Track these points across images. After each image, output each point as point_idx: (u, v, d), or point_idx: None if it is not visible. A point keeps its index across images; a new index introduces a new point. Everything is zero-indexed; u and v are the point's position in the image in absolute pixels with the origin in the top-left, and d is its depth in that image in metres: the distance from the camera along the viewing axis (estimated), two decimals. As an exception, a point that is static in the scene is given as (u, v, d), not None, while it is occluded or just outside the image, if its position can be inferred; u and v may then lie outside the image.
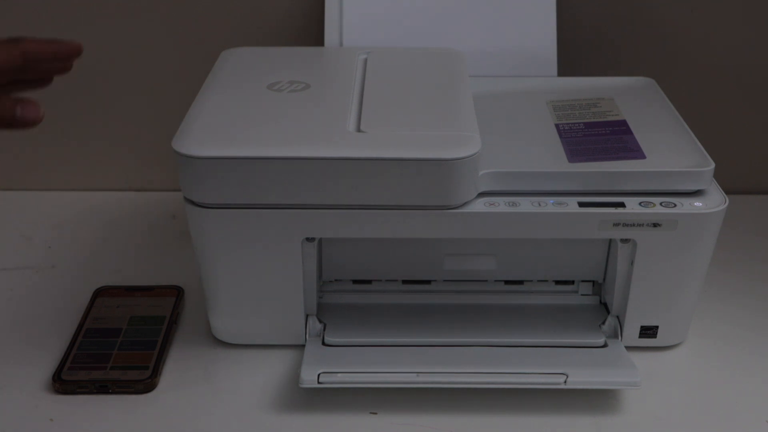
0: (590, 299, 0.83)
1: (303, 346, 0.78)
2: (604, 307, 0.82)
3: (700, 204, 0.73)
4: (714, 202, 0.73)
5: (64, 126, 1.07)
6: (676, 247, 0.74)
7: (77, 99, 1.05)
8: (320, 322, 0.80)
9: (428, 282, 0.83)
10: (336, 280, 0.83)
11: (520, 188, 0.73)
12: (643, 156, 0.75)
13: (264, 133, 0.72)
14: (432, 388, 0.74)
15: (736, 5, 1.00)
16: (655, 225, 0.72)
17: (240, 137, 0.71)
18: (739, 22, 1.01)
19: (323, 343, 0.78)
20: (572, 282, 0.83)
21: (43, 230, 1.01)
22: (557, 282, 0.83)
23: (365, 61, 0.87)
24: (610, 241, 0.78)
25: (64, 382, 0.75)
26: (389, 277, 0.83)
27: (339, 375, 0.73)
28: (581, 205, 0.73)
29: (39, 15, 1.01)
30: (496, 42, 0.93)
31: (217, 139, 0.71)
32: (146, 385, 0.75)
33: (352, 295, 0.83)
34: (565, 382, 0.73)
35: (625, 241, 0.75)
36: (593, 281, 0.82)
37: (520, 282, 0.83)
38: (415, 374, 0.73)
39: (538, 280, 0.83)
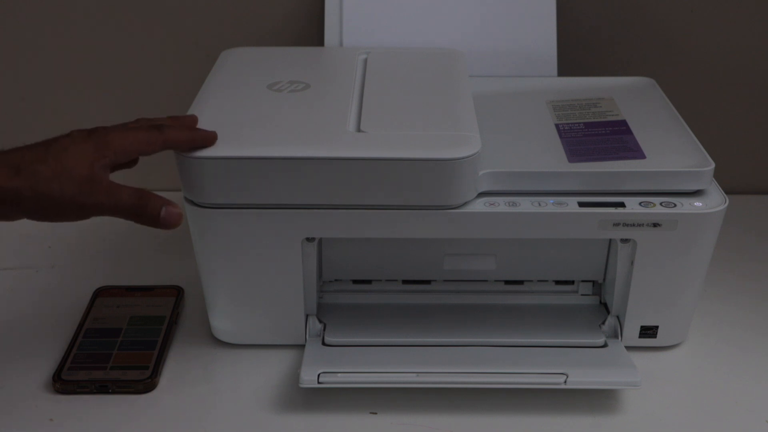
0: (590, 299, 0.83)
1: (303, 346, 0.78)
2: (604, 307, 0.82)
3: (700, 204, 0.73)
4: (714, 202, 0.73)
5: (64, 126, 1.07)
6: (676, 247, 0.74)
7: (77, 99, 1.05)
8: (320, 322, 0.80)
9: (428, 282, 0.83)
10: (336, 280, 0.83)
11: (520, 188, 0.73)
12: (643, 156, 0.75)
13: (264, 133, 0.72)
14: (432, 388, 0.74)
15: (736, 5, 1.00)
16: (655, 225, 0.72)
17: (240, 137, 0.71)
18: (739, 22, 1.01)
19: (323, 343, 0.78)
20: (572, 282, 0.83)
21: (43, 230, 1.01)
22: (557, 282, 0.83)
23: (365, 61, 0.87)
24: (610, 241, 0.78)
25: (64, 382, 0.75)
26: (389, 277, 0.83)
27: (339, 375, 0.73)
28: (581, 205, 0.73)
29: (39, 15, 1.01)
30: (496, 42, 0.93)
31: (217, 139, 0.71)
32: (146, 385, 0.75)
33: (352, 295, 0.83)
34: (565, 382, 0.73)
35: (625, 241, 0.75)
36: (593, 281, 0.82)
37: (520, 282, 0.83)
38: (415, 374, 0.73)
39: (538, 280, 0.83)
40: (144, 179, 1.10)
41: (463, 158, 0.69)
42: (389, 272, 0.82)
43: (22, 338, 0.82)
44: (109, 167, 0.67)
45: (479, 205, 0.72)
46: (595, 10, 1.01)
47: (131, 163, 0.72)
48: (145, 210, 0.65)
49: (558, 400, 0.74)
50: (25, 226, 1.01)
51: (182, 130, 0.70)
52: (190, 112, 0.75)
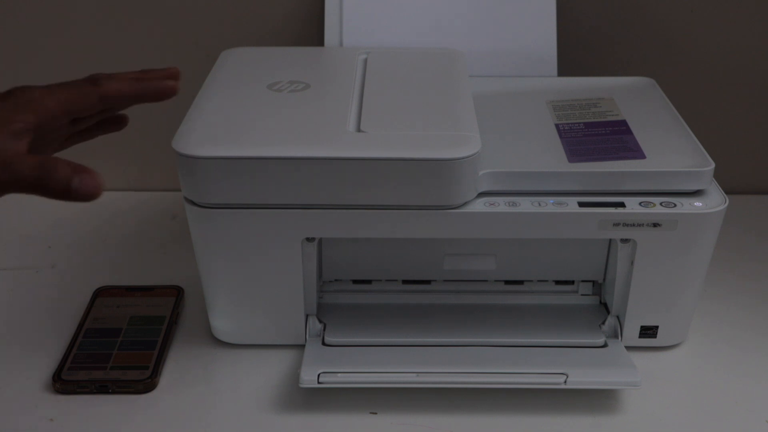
0: (590, 299, 0.83)
1: (303, 346, 0.78)
2: (604, 307, 0.82)
3: (700, 204, 0.73)
4: (714, 202, 0.73)
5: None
6: (676, 247, 0.74)
7: (77, 99, 1.05)
8: (320, 322, 0.80)
9: (428, 282, 0.83)
10: (336, 280, 0.83)
11: (520, 188, 0.73)
12: (643, 156, 0.75)
13: (264, 133, 0.72)
14: (432, 388, 0.74)
15: (736, 5, 1.00)
16: (655, 225, 0.72)
17: (240, 137, 0.71)
18: (739, 22, 1.01)
19: (323, 343, 0.78)
20: (572, 282, 0.83)
21: (43, 230, 1.01)
22: (557, 282, 0.83)
23: (365, 61, 0.87)
24: (610, 241, 0.78)
25: (64, 382, 0.75)
26: (389, 277, 0.83)
27: (339, 375, 0.73)
28: (581, 205, 0.73)
29: (39, 15, 1.01)
30: (496, 42, 0.93)
31: (217, 139, 0.71)
32: (146, 385, 0.75)
33: (352, 295, 0.83)
34: (565, 382, 0.73)
35: (625, 241, 0.75)
36: (593, 281, 0.82)
37: (520, 282, 0.83)
38: (415, 374, 0.73)
39: (538, 280, 0.83)
40: (144, 179, 1.10)
41: (463, 158, 0.69)
42: (389, 272, 0.82)
43: (22, 338, 0.82)
44: (27, 133, 0.58)
45: (479, 205, 0.72)
46: (595, 10, 1.01)
47: (116, 124, 0.66)
48: (48, 182, 0.55)
49: (558, 400, 0.74)
50: (25, 226, 1.02)
51: (125, 81, 0.61)
52: (190, 112, 0.75)
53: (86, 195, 0.56)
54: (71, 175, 0.56)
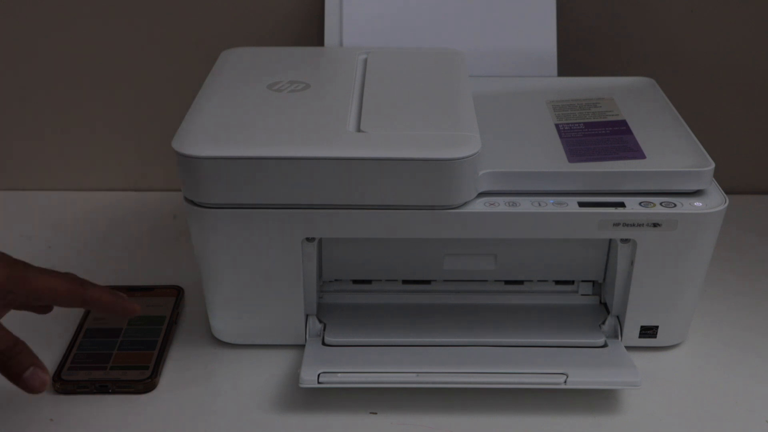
0: (590, 299, 0.83)
1: (303, 346, 0.78)
2: (604, 307, 0.82)
3: (700, 204, 0.73)
4: (714, 202, 0.73)
5: (65, 126, 1.07)
6: (676, 247, 0.74)
7: (77, 99, 1.05)
8: (320, 322, 0.80)
9: (428, 282, 0.83)
10: (336, 280, 0.83)
11: (520, 188, 0.73)
12: (643, 156, 0.75)
13: (264, 133, 0.72)
14: (432, 388, 0.74)
15: (736, 5, 1.00)
16: (655, 225, 0.72)
17: (240, 137, 0.71)
18: (739, 22, 1.01)
19: (323, 343, 0.78)
20: (572, 282, 0.83)
21: (43, 230, 1.01)
22: (557, 282, 0.83)
23: (365, 61, 0.87)
24: (610, 241, 0.78)
25: (64, 382, 0.75)
26: (389, 277, 0.83)
27: (339, 375, 0.73)
28: (581, 205, 0.73)
29: (40, 15, 1.01)
30: (496, 42, 0.93)
31: (217, 139, 0.71)
32: (146, 385, 0.75)
33: (352, 295, 0.83)
34: (565, 382, 0.73)
35: (625, 241, 0.75)
36: (593, 281, 0.82)
37: (520, 282, 0.83)
38: (415, 374, 0.73)
39: (538, 280, 0.83)
40: (144, 180, 1.10)
41: (463, 158, 0.69)
42: (389, 272, 0.82)
43: (22, 338, 0.82)
44: (10, 303, 0.67)
45: (479, 205, 0.72)
46: (595, 10, 1.01)
47: (43, 309, 0.73)
48: (10, 359, 0.64)
49: (558, 400, 0.74)
50: (25, 226, 1.02)
51: (106, 291, 0.70)
52: (190, 112, 0.75)
53: (32, 387, 0.64)
54: (29, 365, 0.64)
